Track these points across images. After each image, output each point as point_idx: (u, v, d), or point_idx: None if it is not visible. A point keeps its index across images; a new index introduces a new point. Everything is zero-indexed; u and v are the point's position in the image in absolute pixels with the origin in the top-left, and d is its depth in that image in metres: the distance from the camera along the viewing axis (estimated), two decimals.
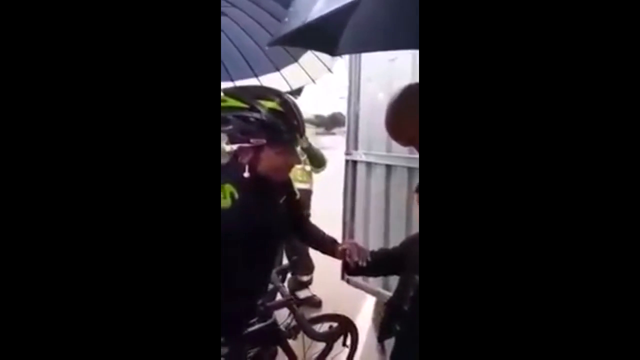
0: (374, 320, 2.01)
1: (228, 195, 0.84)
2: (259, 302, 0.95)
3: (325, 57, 1.51)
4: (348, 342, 1.20)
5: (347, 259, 0.98)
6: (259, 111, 0.82)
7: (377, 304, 2.06)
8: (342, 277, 2.04)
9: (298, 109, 0.87)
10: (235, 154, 0.89)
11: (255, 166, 0.86)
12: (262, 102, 0.83)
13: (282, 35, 0.91)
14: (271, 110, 0.82)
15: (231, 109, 0.84)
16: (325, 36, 1.10)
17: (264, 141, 0.83)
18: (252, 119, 0.82)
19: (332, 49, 1.21)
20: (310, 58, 1.52)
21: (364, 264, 0.96)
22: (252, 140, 0.83)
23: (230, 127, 0.84)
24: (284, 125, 0.84)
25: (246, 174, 0.85)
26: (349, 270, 1.00)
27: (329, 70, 1.59)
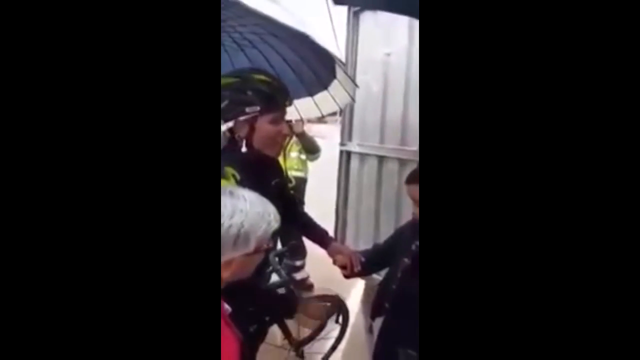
0: (363, 302, 2.11)
1: (231, 176, 0.89)
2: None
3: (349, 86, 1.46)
4: (340, 320, 1.29)
5: (343, 272, 1.06)
6: (250, 82, 0.88)
7: (366, 287, 2.16)
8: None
9: (284, 84, 0.94)
10: (232, 133, 0.93)
11: (251, 140, 0.91)
12: (252, 75, 0.90)
13: None
14: (261, 81, 0.89)
15: (224, 86, 0.89)
16: None
17: (258, 108, 0.88)
18: (245, 89, 0.88)
19: None
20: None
21: (359, 269, 1.06)
22: (247, 109, 0.88)
23: (226, 101, 0.88)
24: (274, 91, 0.90)
25: (244, 149, 0.90)
26: (345, 275, 1.09)
27: (352, 99, 1.53)
